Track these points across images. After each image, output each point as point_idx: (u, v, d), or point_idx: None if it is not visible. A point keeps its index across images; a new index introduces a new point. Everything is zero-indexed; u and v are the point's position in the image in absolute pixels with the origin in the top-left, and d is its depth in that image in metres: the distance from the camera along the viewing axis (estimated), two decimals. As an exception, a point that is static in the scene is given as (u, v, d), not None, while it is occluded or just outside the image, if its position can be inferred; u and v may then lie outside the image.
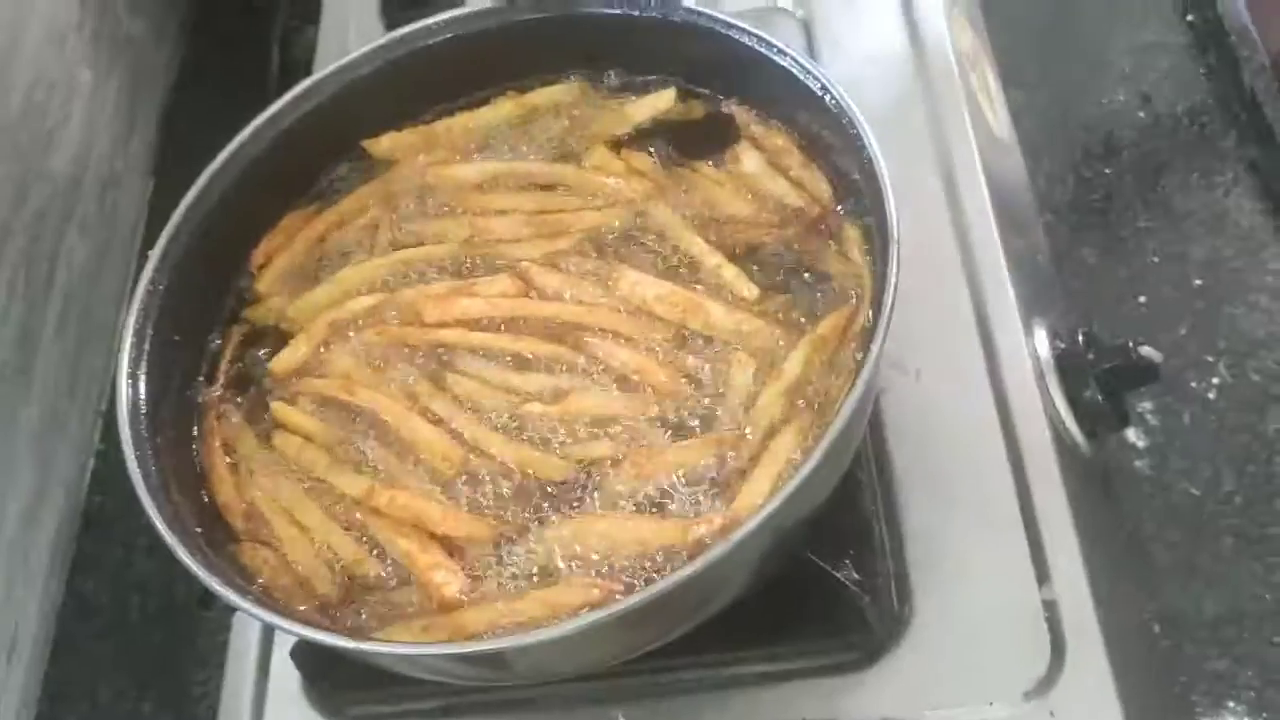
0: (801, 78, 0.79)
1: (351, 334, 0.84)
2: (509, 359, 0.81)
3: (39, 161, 1.18)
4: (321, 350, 0.84)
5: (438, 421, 0.78)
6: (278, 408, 0.81)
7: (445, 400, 0.79)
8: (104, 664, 1.08)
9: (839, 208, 0.81)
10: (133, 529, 1.13)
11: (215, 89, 1.39)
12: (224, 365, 0.85)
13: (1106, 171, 1.14)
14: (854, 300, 0.77)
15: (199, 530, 0.73)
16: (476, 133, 0.92)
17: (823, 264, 0.80)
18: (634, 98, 0.91)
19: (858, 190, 0.77)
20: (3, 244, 1.11)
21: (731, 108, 0.89)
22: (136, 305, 0.80)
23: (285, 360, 0.83)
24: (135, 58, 1.38)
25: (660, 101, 0.90)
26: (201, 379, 0.85)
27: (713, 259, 0.82)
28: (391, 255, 0.86)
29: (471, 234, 0.87)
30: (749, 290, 0.80)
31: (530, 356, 0.80)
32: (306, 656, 0.83)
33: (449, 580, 0.72)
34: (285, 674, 0.86)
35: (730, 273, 0.81)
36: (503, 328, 0.82)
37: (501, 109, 0.92)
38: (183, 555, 0.68)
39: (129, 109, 1.35)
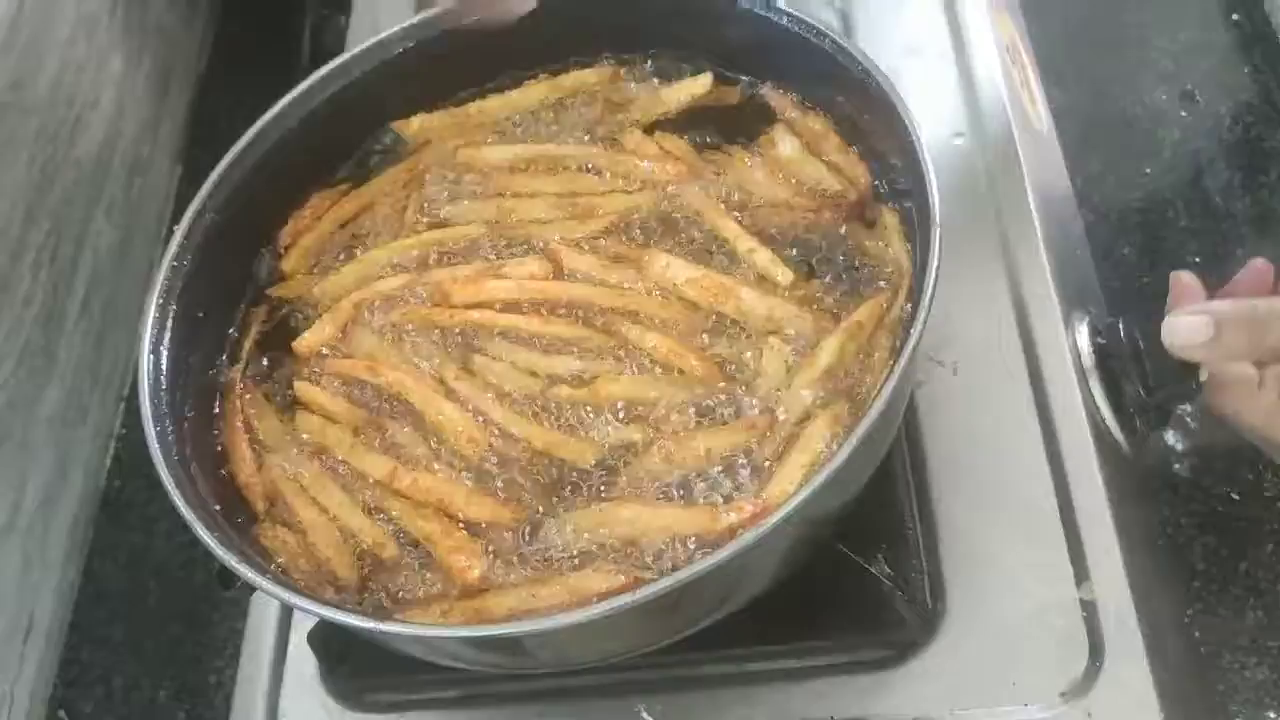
0: (842, 60, 0.78)
1: (377, 315, 0.82)
2: (538, 342, 0.79)
3: (66, 146, 1.17)
4: (346, 331, 0.82)
5: (463, 403, 0.77)
6: (301, 387, 0.80)
7: (472, 382, 0.78)
8: (120, 650, 1.07)
9: (877, 192, 0.79)
10: (152, 514, 1.12)
11: (245, 76, 1.38)
12: (247, 345, 0.84)
13: (1147, 171, 1.11)
14: (892, 287, 0.75)
15: (218, 509, 0.72)
16: (508, 115, 0.91)
17: (859, 250, 0.78)
18: (669, 82, 0.89)
19: (897, 175, 0.75)
20: (28, 227, 1.10)
21: (767, 92, 0.87)
22: (160, 281, 0.79)
23: (309, 340, 0.82)
24: (166, 45, 1.37)
25: (696, 86, 0.88)
26: (224, 358, 0.84)
27: (746, 243, 0.80)
28: (419, 236, 0.85)
29: (499, 216, 0.85)
30: (783, 275, 0.79)
31: (560, 340, 0.78)
32: (324, 641, 0.81)
33: (471, 564, 0.70)
34: (302, 660, 0.85)
35: (764, 257, 0.80)
36: (531, 311, 0.80)
37: (533, 92, 0.91)
38: (200, 531, 0.67)
39: (158, 95, 1.35)
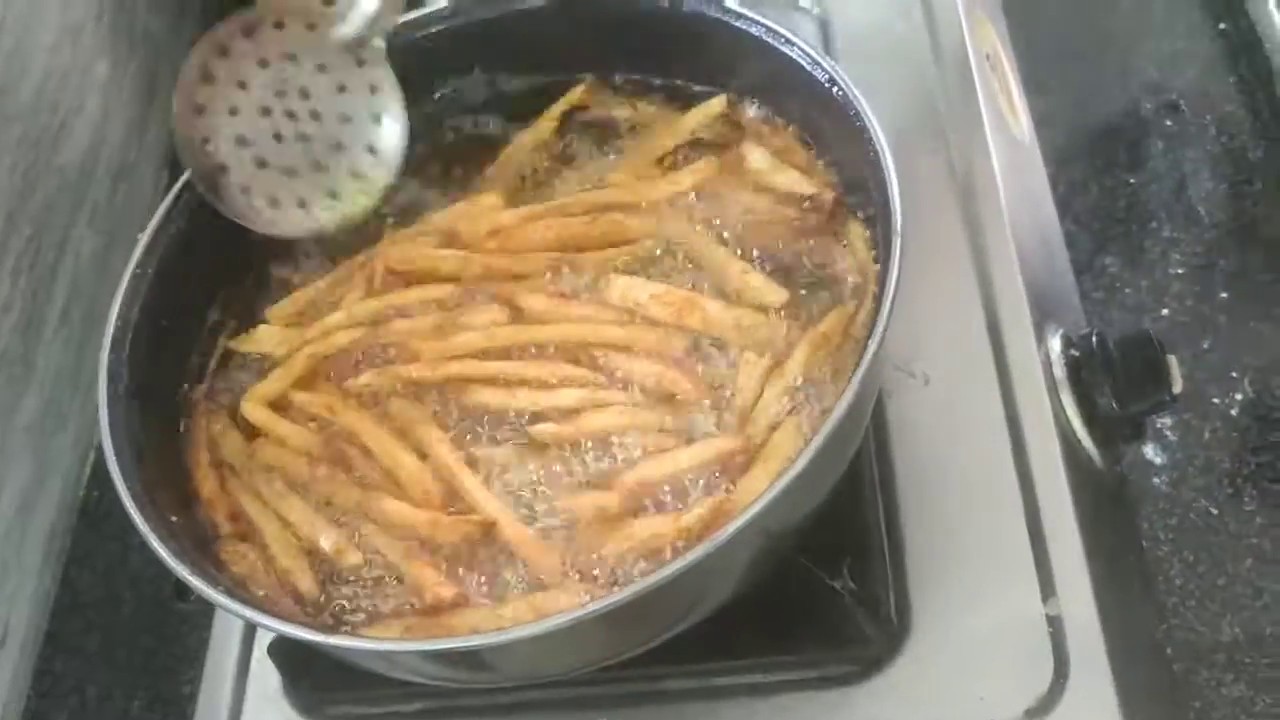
0: (808, 68, 0.77)
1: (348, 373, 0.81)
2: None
3: (50, 152, 1.17)
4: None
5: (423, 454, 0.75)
6: (250, 409, 0.79)
7: (435, 434, 0.76)
8: (95, 660, 1.06)
9: (844, 202, 0.78)
10: (129, 525, 1.10)
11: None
12: (211, 363, 0.84)
13: (1131, 181, 1.11)
14: (857, 297, 0.74)
15: (175, 520, 0.71)
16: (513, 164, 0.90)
17: (830, 262, 0.78)
18: (636, 101, 0.88)
19: (864, 185, 0.74)
20: (9, 233, 1.10)
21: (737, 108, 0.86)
22: (123, 289, 0.78)
23: (260, 393, 0.80)
24: (152, 50, 1.37)
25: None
26: (190, 372, 0.83)
27: (736, 266, 0.79)
28: (380, 300, 0.83)
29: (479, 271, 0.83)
30: (777, 295, 0.77)
31: (547, 381, 0.77)
32: (285, 654, 0.81)
33: (440, 581, 0.70)
34: (264, 673, 0.84)
35: (757, 280, 0.78)
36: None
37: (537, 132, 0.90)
38: (153, 542, 0.67)
39: (144, 101, 1.35)
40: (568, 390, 0.76)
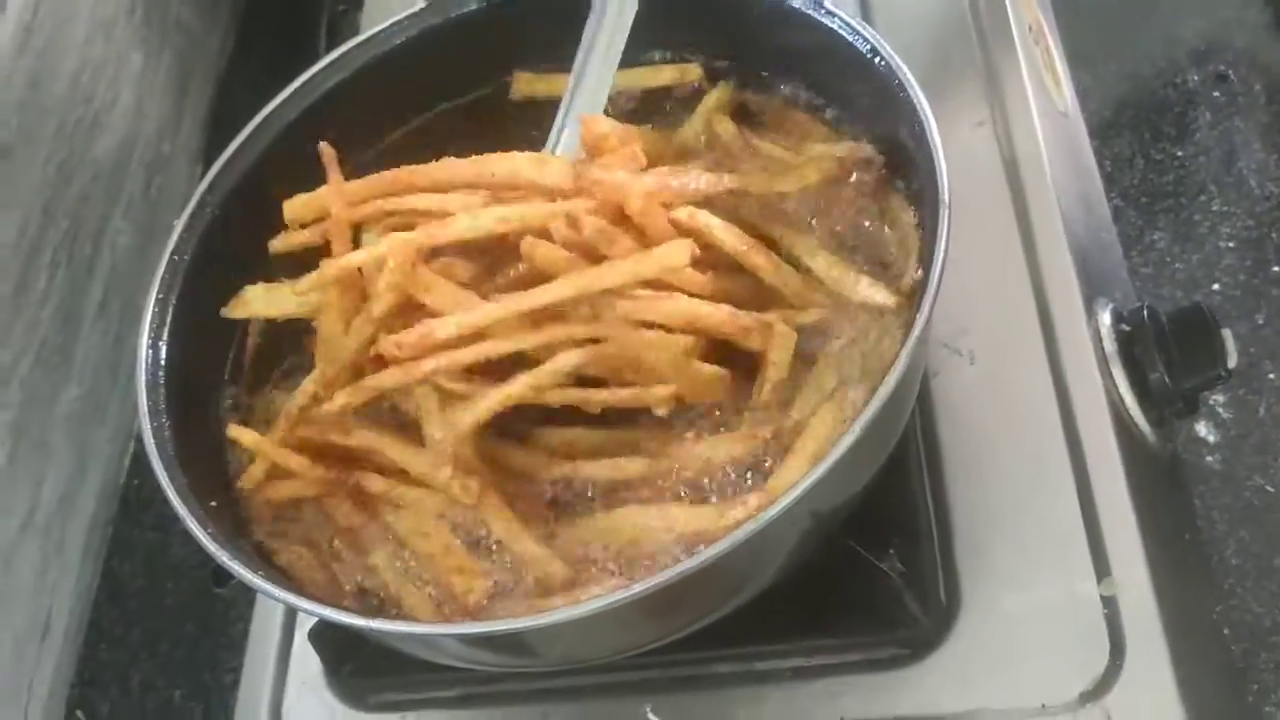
0: (849, 38, 0.75)
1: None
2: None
3: (85, 145, 1.17)
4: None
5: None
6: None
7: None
8: (137, 650, 1.07)
9: (886, 172, 0.77)
10: (170, 514, 1.09)
11: (264, 74, 1.38)
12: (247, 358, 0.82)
13: (1179, 154, 1.08)
14: (899, 271, 0.73)
15: (215, 505, 0.71)
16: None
17: (869, 235, 0.75)
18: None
19: (907, 156, 0.72)
20: (45, 226, 1.10)
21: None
22: (159, 276, 0.78)
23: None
24: (185, 42, 1.37)
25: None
26: (230, 361, 0.82)
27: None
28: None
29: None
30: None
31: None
32: (326, 641, 0.80)
33: (471, 586, 0.68)
34: (305, 660, 0.84)
35: (864, 284, 0.73)
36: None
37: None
38: (190, 524, 0.66)
39: (178, 93, 1.35)
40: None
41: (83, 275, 1.16)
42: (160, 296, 0.77)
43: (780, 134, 0.83)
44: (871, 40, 0.75)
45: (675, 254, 0.68)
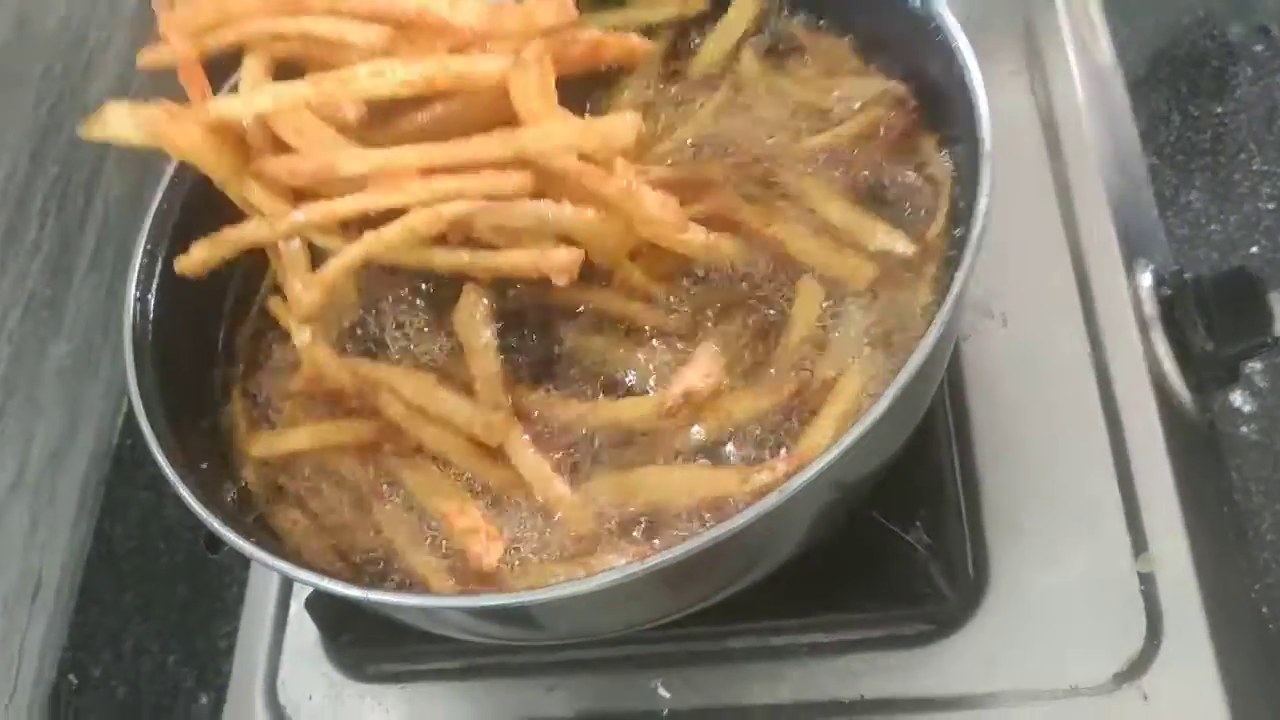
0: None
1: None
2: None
3: (77, 88, 1.13)
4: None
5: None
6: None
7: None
8: (130, 612, 1.04)
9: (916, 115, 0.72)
10: (164, 473, 1.09)
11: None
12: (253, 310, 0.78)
13: (1218, 110, 1.04)
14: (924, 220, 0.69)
15: (206, 468, 0.67)
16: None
17: (898, 183, 0.71)
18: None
19: (940, 100, 0.68)
20: (34, 173, 1.06)
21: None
22: (148, 225, 0.74)
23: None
24: (182, -16, 1.32)
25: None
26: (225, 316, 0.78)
27: (853, 217, 0.71)
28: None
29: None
30: (904, 246, 0.69)
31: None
32: (323, 610, 0.77)
33: (487, 550, 0.64)
34: (302, 628, 0.81)
35: (878, 228, 0.69)
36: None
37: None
38: (182, 489, 0.62)
39: (174, 36, 1.30)
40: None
41: (74, 225, 1.12)
42: (149, 248, 0.74)
43: (807, 66, 0.79)
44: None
45: (621, 127, 0.62)
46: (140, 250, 0.73)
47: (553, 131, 0.63)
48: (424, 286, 0.74)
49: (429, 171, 0.64)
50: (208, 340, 0.76)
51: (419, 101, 0.66)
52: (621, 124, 0.62)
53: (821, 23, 0.79)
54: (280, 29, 0.69)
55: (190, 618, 1.00)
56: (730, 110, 0.78)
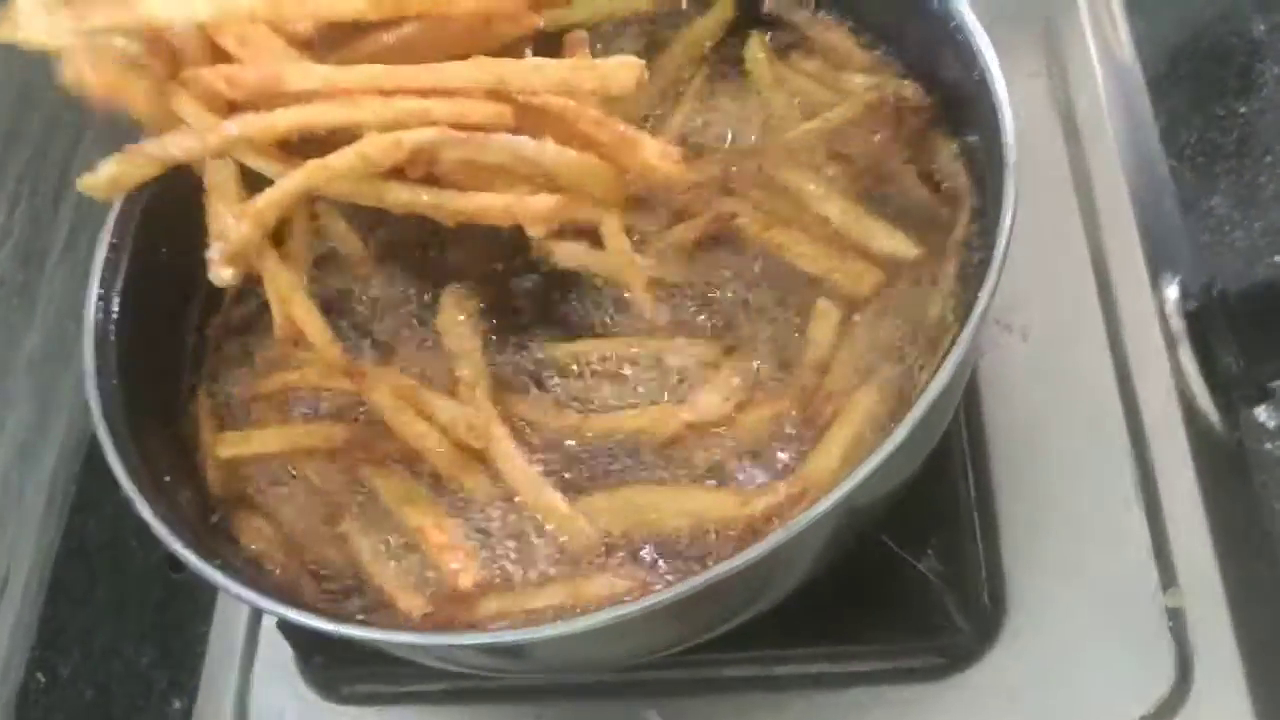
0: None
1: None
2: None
3: (49, 70, 1.08)
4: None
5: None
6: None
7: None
8: (101, 611, 1.00)
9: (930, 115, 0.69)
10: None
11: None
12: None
13: (1242, 110, 1.00)
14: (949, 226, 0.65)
15: (167, 480, 0.63)
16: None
17: (911, 185, 0.68)
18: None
19: (958, 102, 0.65)
20: (5, 155, 1.02)
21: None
22: (114, 216, 0.70)
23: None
24: (164, -42, 1.28)
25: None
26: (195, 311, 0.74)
27: (852, 217, 0.67)
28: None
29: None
30: (907, 248, 0.65)
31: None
32: (295, 628, 0.72)
33: (465, 566, 0.60)
34: (274, 646, 0.77)
35: (878, 228, 0.66)
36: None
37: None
38: (142, 508, 0.58)
39: (155, 13, 1.26)
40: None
41: (47, 209, 1.08)
42: (114, 243, 0.69)
43: (815, 60, 0.75)
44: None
45: (623, 71, 0.56)
46: (104, 246, 0.69)
47: (543, 64, 0.57)
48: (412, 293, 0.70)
49: (390, 93, 0.56)
50: (176, 342, 0.71)
51: (385, 22, 0.58)
52: (623, 67, 0.56)
53: (827, 15, 0.75)
54: None
55: (165, 617, 0.97)
56: (727, 100, 0.74)
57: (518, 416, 0.65)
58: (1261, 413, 0.86)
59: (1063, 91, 0.87)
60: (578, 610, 0.57)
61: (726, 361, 0.65)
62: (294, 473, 0.67)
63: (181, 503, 0.63)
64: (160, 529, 0.58)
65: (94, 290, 0.67)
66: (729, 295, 0.67)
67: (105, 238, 0.69)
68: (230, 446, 0.67)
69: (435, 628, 0.58)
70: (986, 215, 0.62)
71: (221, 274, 0.59)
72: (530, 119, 0.58)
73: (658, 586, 0.58)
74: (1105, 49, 0.91)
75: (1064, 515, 0.70)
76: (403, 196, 0.59)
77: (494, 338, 0.68)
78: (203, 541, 0.60)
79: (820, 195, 0.68)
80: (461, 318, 0.68)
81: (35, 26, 0.61)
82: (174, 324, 0.72)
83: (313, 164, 0.56)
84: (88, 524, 1.05)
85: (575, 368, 0.67)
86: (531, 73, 0.57)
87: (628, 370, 0.66)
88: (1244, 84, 1.02)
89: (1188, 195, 0.97)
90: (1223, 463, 0.74)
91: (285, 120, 0.56)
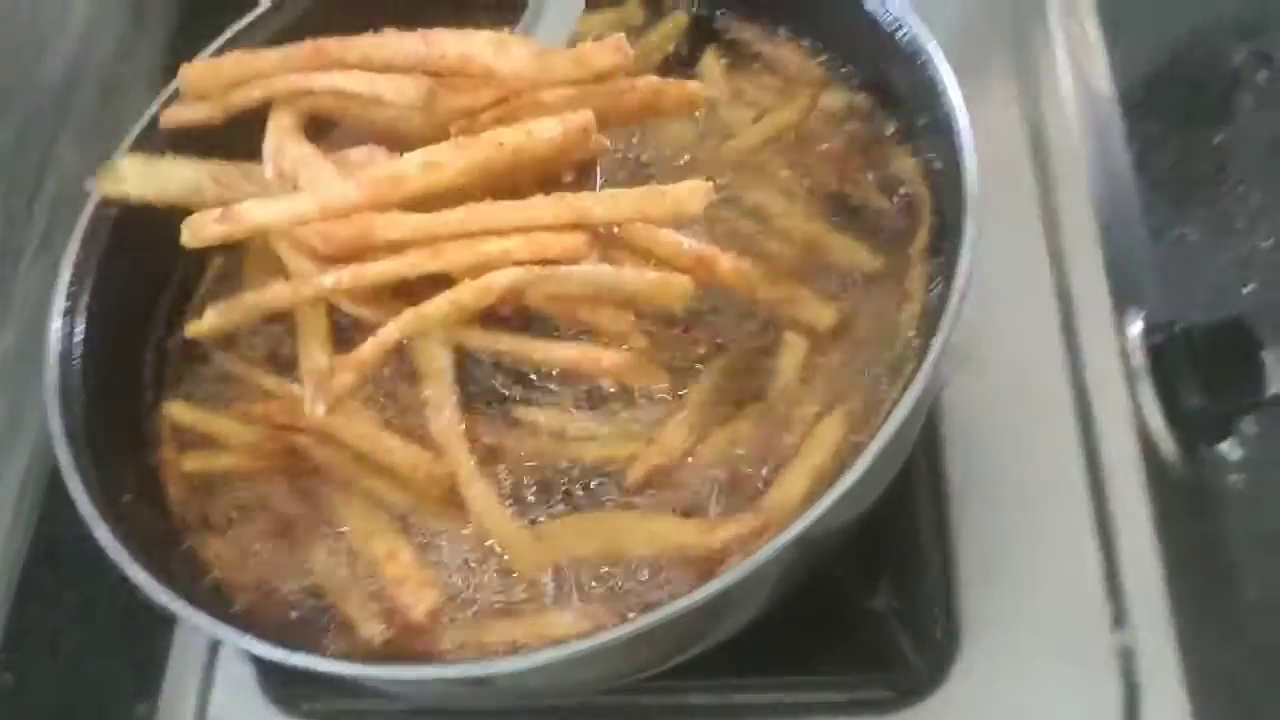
0: (871, 8, 0.67)
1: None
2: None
3: (28, 65, 1.08)
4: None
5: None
6: (177, 409, 0.69)
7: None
8: (70, 616, 0.99)
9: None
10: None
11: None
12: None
13: (1217, 139, 1.00)
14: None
15: (127, 500, 0.63)
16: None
17: (869, 197, 0.69)
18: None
19: (918, 119, 0.66)
20: (-19, 150, 1.02)
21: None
22: (80, 230, 0.69)
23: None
24: (142, -37, 1.27)
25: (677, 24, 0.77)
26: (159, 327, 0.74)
27: (812, 228, 0.69)
28: None
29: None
30: (870, 262, 0.67)
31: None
32: (256, 646, 0.72)
33: (420, 599, 0.61)
34: (238, 657, 0.77)
35: (839, 242, 0.68)
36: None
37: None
38: (100, 532, 0.58)
39: (135, 12, 1.25)
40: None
41: (22, 208, 1.07)
42: (80, 256, 0.69)
43: (770, 74, 0.76)
44: (897, 15, 0.66)
45: (692, 196, 0.59)
46: (71, 258, 0.69)
47: (618, 195, 0.60)
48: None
49: (472, 234, 0.60)
50: (139, 360, 0.71)
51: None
52: (693, 193, 0.59)
53: (782, 32, 0.76)
54: (310, 85, 0.66)
55: (134, 622, 0.96)
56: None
57: (484, 439, 0.65)
58: (1225, 445, 0.86)
59: (1034, 116, 0.86)
60: (538, 643, 0.58)
61: (693, 388, 0.66)
62: (255, 495, 0.67)
63: (142, 523, 0.63)
64: (117, 552, 0.58)
65: (59, 306, 0.67)
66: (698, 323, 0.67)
67: (69, 257, 0.69)
68: (197, 463, 0.68)
69: (390, 659, 0.58)
70: (948, 224, 0.62)
71: (317, 409, 0.61)
72: (605, 240, 0.62)
73: (615, 619, 0.58)
74: (1080, 73, 0.91)
75: (1020, 550, 0.70)
76: (484, 343, 0.63)
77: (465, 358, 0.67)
78: (162, 564, 0.60)
79: (784, 213, 0.69)
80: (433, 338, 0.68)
81: (138, 179, 0.68)
82: (137, 342, 0.71)
83: (409, 314, 0.59)
84: (57, 527, 1.04)
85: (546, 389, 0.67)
86: (608, 205, 0.60)
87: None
88: (1220, 111, 1.02)
89: (1159, 223, 0.97)
90: (1180, 501, 0.75)
91: (375, 272, 0.60)
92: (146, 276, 0.72)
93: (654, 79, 0.66)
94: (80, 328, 0.67)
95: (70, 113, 1.13)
